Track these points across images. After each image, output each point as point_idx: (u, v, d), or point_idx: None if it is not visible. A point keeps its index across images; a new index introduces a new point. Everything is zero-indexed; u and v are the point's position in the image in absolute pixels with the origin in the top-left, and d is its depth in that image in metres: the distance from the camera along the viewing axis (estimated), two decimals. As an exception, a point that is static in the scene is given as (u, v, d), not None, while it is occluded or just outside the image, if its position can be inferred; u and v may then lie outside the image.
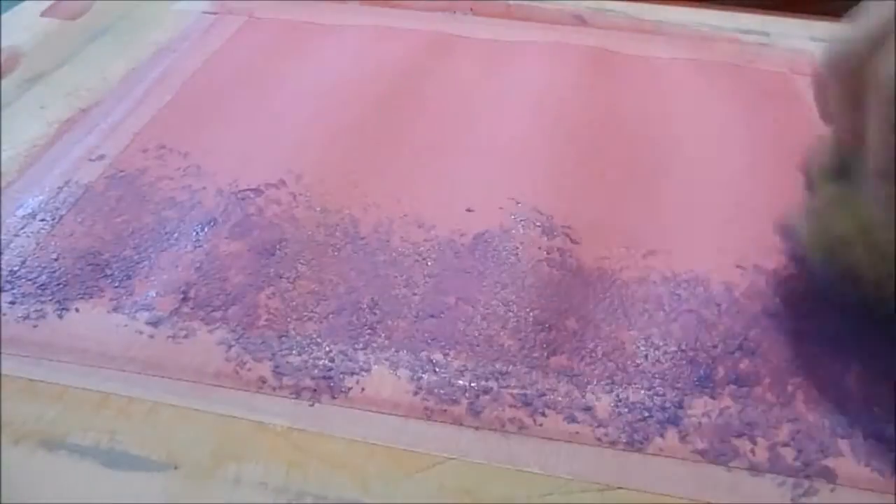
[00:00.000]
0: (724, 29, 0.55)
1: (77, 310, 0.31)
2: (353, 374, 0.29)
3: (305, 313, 0.32)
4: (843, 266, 0.30)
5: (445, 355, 0.30)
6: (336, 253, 0.34)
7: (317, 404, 0.28)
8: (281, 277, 0.33)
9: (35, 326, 0.31)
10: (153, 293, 0.32)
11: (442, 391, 0.29)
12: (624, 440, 0.27)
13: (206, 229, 0.35)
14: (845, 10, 0.58)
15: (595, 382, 0.29)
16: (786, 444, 0.27)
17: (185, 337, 0.30)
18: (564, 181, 0.39)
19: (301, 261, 0.34)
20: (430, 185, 0.39)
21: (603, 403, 0.29)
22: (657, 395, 0.29)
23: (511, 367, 0.30)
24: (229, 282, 0.33)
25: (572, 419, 0.28)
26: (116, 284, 0.33)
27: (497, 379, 0.29)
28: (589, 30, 0.55)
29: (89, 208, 0.36)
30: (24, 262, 0.33)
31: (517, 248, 0.35)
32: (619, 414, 0.28)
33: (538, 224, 0.36)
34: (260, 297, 0.32)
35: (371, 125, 0.43)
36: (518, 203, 0.37)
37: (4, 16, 0.53)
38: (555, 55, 0.51)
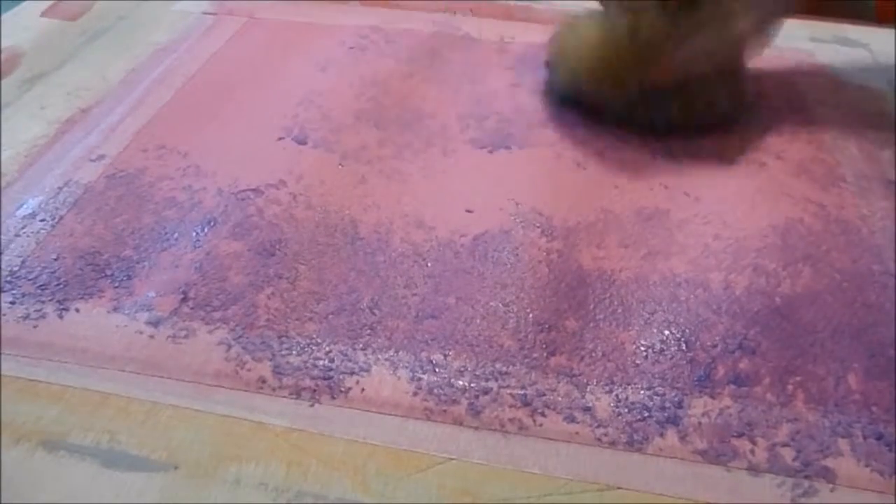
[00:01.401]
0: (723, 29, 0.55)
1: (77, 310, 0.31)
2: (352, 374, 0.29)
3: (305, 313, 0.32)
4: (570, 76, 0.43)
5: (445, 355, 0.30)
6: (336, 253, 0.34)
7: (316, 405, 0.28)
8: (281, 278, 0.33)
9: (35, 326, 0.31)
10: (153, 293, 0.32)
11: (442, 391, 0.29)
12: (623, 440, 0.27)
13: (205, 229, 0.35)
14: (845, 10, 0.58)
15: (595, 382, 0.29)
16: (785, 444, 0.27)
17: (185, 337, 0.30)
18: (564, 182, 0.39)
19: (301, 261, 0.34)
20: (429, 186, 0.39)
21: (602, 403, 0.29)
22: (657, 395, 0.29)
23: (511, 367, 0.30)
24: (229, 282, 0.33)
25: (572, 419, 0.28)
26: (116, 284, 0.33)
27: (497, 379, 0.29)
28: (589, 30, 0.55)
29: (89, 208, 0.36)
30: (24, 263, 0.33)
31: (517, 248, 0.35)
32: (619, 414, 0.28)
33: (538, 225, 0.36)
34: (260, 298, 0.32)
35: (371, 124, 0.43)
36: (518, 204, 0.37)
37: (4, 16, 0.53)
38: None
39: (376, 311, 0.32)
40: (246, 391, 0.29)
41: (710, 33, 0.39)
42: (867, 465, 0.27)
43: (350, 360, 0.30)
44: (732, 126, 0.43)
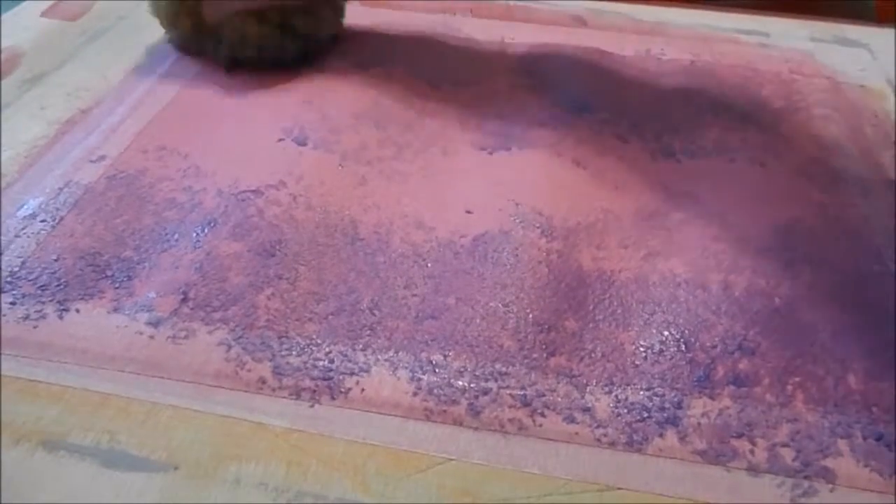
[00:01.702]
0: (724, 29, 0.55)
1: (77, 310, 0.31)
2: (352, 374, 0.29)
3: (305, 314, 0.32)
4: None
5: (445, 356, 0.30)
6: (336, 254, 0.34)
7: (316, 405, 0.28)
8: (281, 278, 0.33)
9: (35, 327, 0.31)
10: (153, 294, 0.32)
11: (441, 392, 0.29)
12: (623, 441, 0.27)
13: (206, 230, 0.35)
14: (845, 10, 0.59)
15: (594, 383, 0.29)
16: (785, 445, 0.27)
17: (185, 338, 0.30)
18: (564, 182, 0.39)
19: (301, 262, 0.34)
20: (429, 187, 0.39)
21: (602, 404, 0.29)
22: (656, 395, 0.29)
23: (510, 367, 0.30)
24: (229, 282, 0.33)
25: (571, 420, 0.28)
26: (117, 285, 0.33)
27: (496, 379, 0.29)
28: (589, 31, 0.55)
29: (89, 209, 0.37)
30: (24, 263, 0.33)
31: (516, 249, 0.35)
32: (619, 414, 0.28)
33: (537, 225, 0.36)
34: (260, 298, 0.32)
35: (371, 125, 0.43)
36: (517, 204, 0.37)
37: (4, 16, 0.53)
38: (555, 56, 0.51)
39: (376, 312, 0.32)
40: (246, 391, 0.29)
41: None
42: (867, 466, 0.27)
43: (350, 361, 0.30)
44: (292, 67, 0.47)
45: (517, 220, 0.36)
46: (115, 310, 0.32)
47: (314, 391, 0.29)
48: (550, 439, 0.27)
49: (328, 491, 0.26)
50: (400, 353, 0.30)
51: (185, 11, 0.47)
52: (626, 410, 0.28)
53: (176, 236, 0.35)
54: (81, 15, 0.54)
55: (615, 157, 0.41)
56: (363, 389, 0.29)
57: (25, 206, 0.37)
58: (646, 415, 0.28)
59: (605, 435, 0.28)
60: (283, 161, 0.40)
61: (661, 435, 0.28)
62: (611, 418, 0.28)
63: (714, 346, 0.31)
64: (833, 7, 0.58)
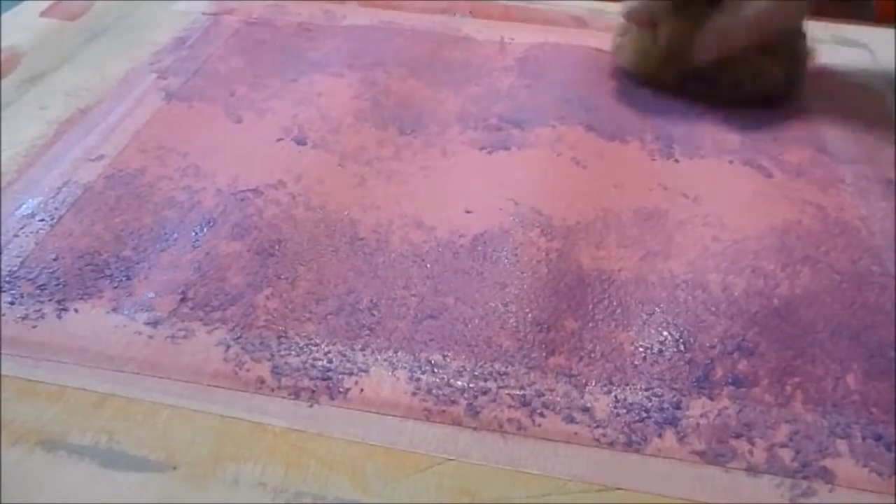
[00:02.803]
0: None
1: (76, 310, 0.31)
2: (351, 374, 0.29)
3: (304, 314, 0.32)
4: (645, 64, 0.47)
5: (444, 356, 0.30)
6: (335, 254, 0.34)
7: (315, 405, 0.28)
8: (280, 278, 0.33)
9: (34, 327, 0.31)
10: (152, 293, 0.32)
11: (440, 392, 0.29)
12: (622, 441, 0.27)
13: (205, 230, 0.35)
14: (845, 10, 0.58)
15: (593, 383, 0.29)
16: (784, 445, 0.27)
17: (184, 337, 0.30)
18: (563, 182, 0.39)
19: (300, 261, 0.34)
20: (429, 186, 0.39)
21: (601, 404, 0.29)
22: (655, 395, 0.29)
23: (509, 367, 0.30)
24: (228, 282, 0.33)
25: (571, 420, 0.28)
26: (115, 285, 0.33)
27: (495, 379, 0.29)
28: (588, 31, 0.55)
29: (88, 208, 0.36)
30: (23, 263, 0.33)
31: (516, 249, 0.35)
32: (618, 414, 0.28)
33: (537, 225, 0.36)
34: (259, 298, 0.32)
35: (370, 125, 0.43)
36: (517, 204, 0.37)
37: (4, 16, 0.53)
38: (554, 57, 0.51)
39: (375, 312, 0.32)
40: (245, 391, 0.29)
41: (724, 18, 0.43)
42: (866, 466, 0.27)
43: (349, 361, 0.30)
44: (785, 100, 0.46)
45: (516, 220, 0.36)
46: (114, 309, 0.32)
47: (313, 391, 0.29)
48: (549, 439, 0.27)
49: (327, 491, 0.26)
50: (399, 353, 0.30)
51: (668, 68, 0.46)
52: (625, 410, 0.28)
53: (175, 236, 0.35)
54: (81, 15, 0.54)
55: (615, 157, 0.41)
56: (362, 389, 0.29)
57: (24, 206, 0.36)
58: (645, 415, 0.28)
59: (604, 435, 0.28)
60: (283, 160, 0.40)
61: (659, 435, 0.28)
62: (610, 418, 0.28)
63: (713, 347, 0.31)
64: (833, 7, 0.58)
